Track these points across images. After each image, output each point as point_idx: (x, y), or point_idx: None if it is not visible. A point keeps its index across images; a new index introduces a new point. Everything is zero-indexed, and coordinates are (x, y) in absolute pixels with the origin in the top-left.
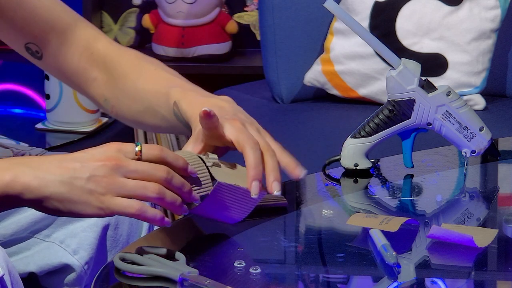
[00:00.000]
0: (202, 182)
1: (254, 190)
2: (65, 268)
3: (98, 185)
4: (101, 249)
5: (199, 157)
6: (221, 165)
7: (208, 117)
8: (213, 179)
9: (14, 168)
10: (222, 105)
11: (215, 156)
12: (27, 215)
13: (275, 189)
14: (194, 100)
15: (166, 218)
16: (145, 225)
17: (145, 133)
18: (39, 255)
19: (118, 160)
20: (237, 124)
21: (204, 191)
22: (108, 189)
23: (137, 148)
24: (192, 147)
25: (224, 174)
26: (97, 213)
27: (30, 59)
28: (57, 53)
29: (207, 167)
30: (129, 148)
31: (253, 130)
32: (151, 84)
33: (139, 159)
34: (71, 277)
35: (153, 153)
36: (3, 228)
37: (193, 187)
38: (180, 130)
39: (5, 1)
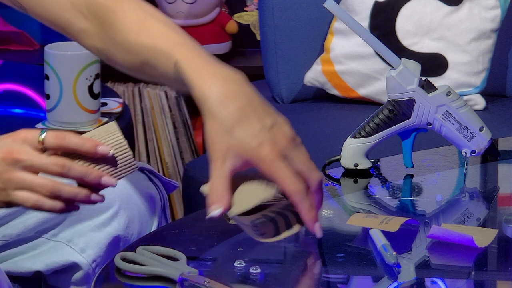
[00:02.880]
0: (122, 162)
1: (318, 232)
2: (72, 267)
3: None
4: (112, 251)
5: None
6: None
7: None
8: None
9: None
10: (240, 106)
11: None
12: (34, 215)
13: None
14: (200, 67)
15: (68, 206)
16: (154, 224)
17: (144, 133)
18: (45, 254)
19: (17, 153)
20: (285, 172)
21: (124, 172)
22: (7, 184)
23: (41, 137)
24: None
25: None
26: (4, 206)
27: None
28: (38, 4)
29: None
30: (34, 137)
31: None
32: (149, 39)
33: (43, 148)
34: (78, 275)
35: (54, 142)
36: (9, 228)
37: (108, 169)
38: (178, 87)
39: None
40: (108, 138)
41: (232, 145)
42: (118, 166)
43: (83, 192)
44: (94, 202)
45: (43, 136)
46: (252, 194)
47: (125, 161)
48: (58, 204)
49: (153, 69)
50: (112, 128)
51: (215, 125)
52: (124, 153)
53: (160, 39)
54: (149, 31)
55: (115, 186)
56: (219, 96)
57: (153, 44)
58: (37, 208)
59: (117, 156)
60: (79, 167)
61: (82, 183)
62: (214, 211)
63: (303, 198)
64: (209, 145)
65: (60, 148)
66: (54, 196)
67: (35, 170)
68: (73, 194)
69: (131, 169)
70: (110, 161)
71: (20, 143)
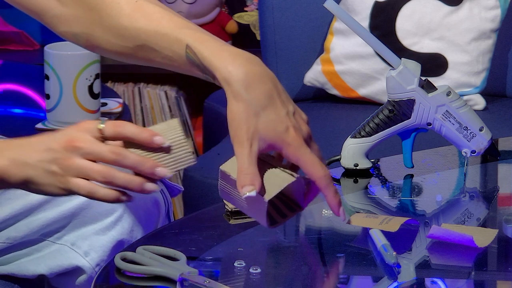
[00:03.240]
0: (179, 155)
1: (343, 216)
2: (76, 270)
3: (58, 167)
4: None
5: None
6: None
7: None
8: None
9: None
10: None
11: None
12: (38, 218)
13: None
14: (217, 49)
15: (122, 197)
16: (159, 225)
17: None
18: (49, 257)
19: (77, 141)
20: (312, 157)
21: (180, 165)
22: (66, 171)
23: (100, 126)
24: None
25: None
26: (61, 193)
27: None
28: None
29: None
30: (94, 126)
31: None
32: (147, 22)
33: (103, 137)
34: (82, 279)
35: (112, 129)
36: (14, 231)
37: (164, 161)
38: (185, 69)
39: None
40: (168, 131)
41: (259, 128)
42: (174, 158)
43: (136, 180)
44: (147, 192)
45: (103, 125)
46: (277, 178)
47: (182, 154)
48: (110, 193)
49: (151, 52)
50: (174, 123)
51: (242, 107)
52: (182, 147)
53: (160, 22)
54: (146, 14)
55: (170, 177)
56: (245, 78)
57: (153, 28)
58: (91, 196)
59: (174, 149)
60: (134, 155)
61: (137, 172)
62: (250, 192)
63: (329, 183)
64: (235, 127)
65: (118, 136)
66: (108, 182)
67: (93, 157)
68: (127, 181)
69: (188, 163)
70: (166, 152)
71: (82, 132)
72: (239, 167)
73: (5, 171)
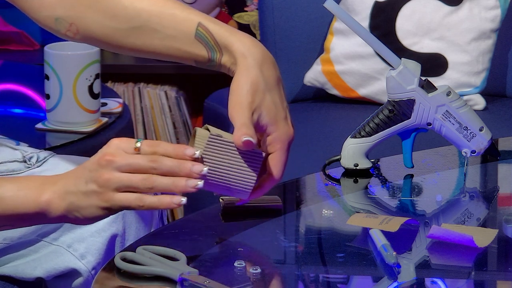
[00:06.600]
0: (222, 164)
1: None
2: (72, 273)
3: (97, 185)
4: (109, 255)
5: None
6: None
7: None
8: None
9: (42, 187)
10: (254, 78)
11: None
12: None
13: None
14: (230, 29)
15: (174, 199)
16: (152, 228)
17: (144, 133)
18: (46, 259)
19: (111, 155)
20: (285, 161)
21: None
22: (106, 186)
23: (137, 145)
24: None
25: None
26: (104, 213)
27: None
28: None
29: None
30: (130, 145)
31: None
32: (150, 3)
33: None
34: (78, 282)
35: (150, 149)
36: (11, 231)
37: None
38: (182, 51)
39: None
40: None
41: (262, 106)
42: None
43: (179, 179)
44: (191, 190)
45: (139, 143)
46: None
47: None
48: (161, 198)
49: (148, 34)
50: (202, 133)
51: (252, 80)
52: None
53: (166, 3)
54: None
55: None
56: (261, 57)
57: (158, 8)
58: (140, 205)
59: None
60: (170, 159)
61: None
62: (252, 140)
63: (271, 185)
64: (240, 95)
65: (154, 154)
66: (151, 189)
67: (129, 169)
68: (170, 182)
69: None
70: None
71: (114, 148)
72: (239, 122)
73: (48, 204)
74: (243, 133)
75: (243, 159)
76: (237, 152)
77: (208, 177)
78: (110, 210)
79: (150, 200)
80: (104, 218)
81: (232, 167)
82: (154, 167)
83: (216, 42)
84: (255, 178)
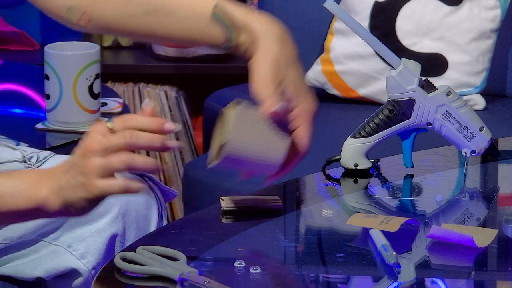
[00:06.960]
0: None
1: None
2: (72, 273)
3: (83, 177)
4: (109, 255)
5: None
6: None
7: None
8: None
9: (39, 184)
10: (274, 55)
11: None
12: None
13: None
14: (247, 10)
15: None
16: (152, 228)
17: None
18: (46, 259)
19: (90, 144)
20: (310, 131)
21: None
22: (89, 176)
23: (110, 125)
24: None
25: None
26: (90, 205)
27: None
28: None
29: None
30: (103, 127)
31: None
32: None
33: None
34: (78, 282)
35: (123, 124)
36: (11, 231)
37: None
38: (196, 32)
39: None
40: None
41: (286, 79)
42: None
43: (156, 137)
44: (170, 148)
45: (112, 123)
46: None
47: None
48: (147, 163)
49: (162, 17)
50: (229, 112)
51: (278, 56)
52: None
53: None
54: None
55: (178, 130)
56: (281, 35)
57: None
58: (125, 186)
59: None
60: (145, 133)
61: (151, 150)
62: (282, 107)
63: (301, 158)
64: (264, 69)
65: (128, 128)
66: (130, 166)
67: (109, 152)
68: (148, 141)
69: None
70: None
71: (92, 135)
72: (265, 95)
73: (45, 200)
74: (271, 103)
75: (272, 132)
76: (266, 125)
77: (236, 153)
78: (97, 198)
79: (135, 184)
80: (95, 206)
81: (262, 140)
82: (131, 142)
83: (233, 22)
84: (284, 150)
